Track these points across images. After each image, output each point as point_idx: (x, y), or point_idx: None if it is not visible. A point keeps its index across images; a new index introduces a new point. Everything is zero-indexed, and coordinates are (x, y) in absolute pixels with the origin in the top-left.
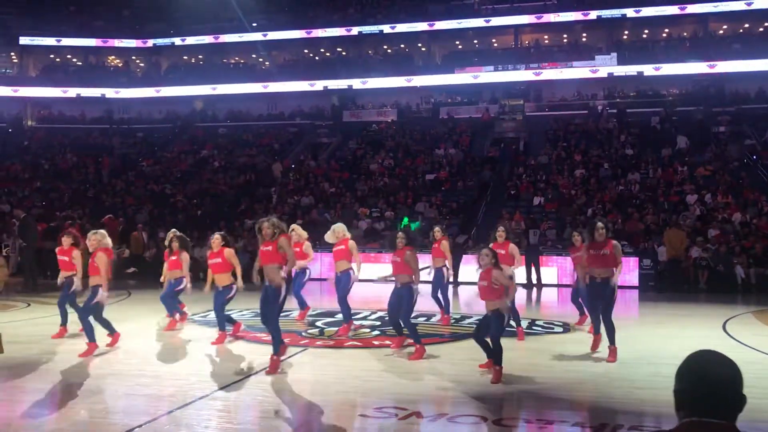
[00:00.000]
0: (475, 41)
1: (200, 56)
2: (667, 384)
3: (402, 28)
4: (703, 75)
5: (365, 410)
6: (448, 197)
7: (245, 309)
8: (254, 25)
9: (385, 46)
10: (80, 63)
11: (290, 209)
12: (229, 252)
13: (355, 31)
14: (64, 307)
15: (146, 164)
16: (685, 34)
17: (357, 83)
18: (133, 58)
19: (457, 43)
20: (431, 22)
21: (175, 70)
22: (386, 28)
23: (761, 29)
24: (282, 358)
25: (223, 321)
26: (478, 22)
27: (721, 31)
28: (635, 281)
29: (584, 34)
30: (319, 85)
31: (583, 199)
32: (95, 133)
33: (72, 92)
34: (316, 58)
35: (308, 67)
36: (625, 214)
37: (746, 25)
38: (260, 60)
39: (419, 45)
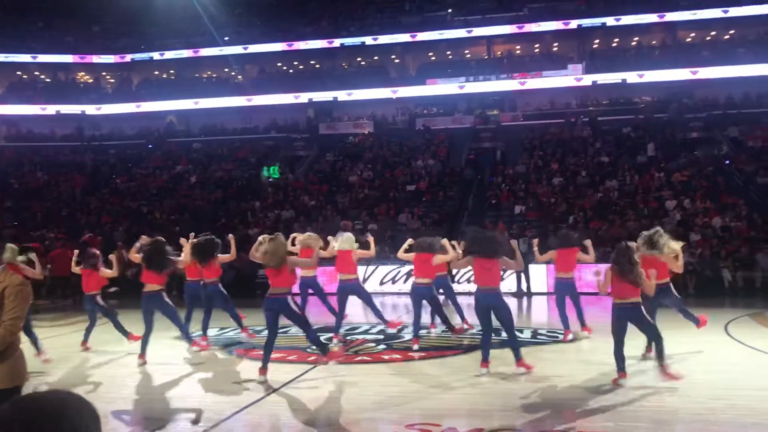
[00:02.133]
0: (448, 52)
1: (172, 71)
2: (698, 390)
3: (384, 39)
4: (684, 81)
5: (398, 428)
6: (430, 208)
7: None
8: (226, 39)
9: (359, 59)
10: (49, 80)
11: (271, 223)
12: None
13: (337, 43)
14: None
15: (120, 181)
16: (654, 42)
17: (342, 95)
18: (104, 74)
19: (431, 54)
20: (413, 34)
21: (147, 85)
22: (368, 40)
23: (739, 36)
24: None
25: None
26: (460, 33)
27: (701, 38)
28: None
29: (556, 44)
30: (303, 97)
31: (563, 207)
32: (66, 150)
33: (51, 109)
34: (290, 71)
35: (285, 80)
36: (606, 220)
37: (732, 32)
38: (233, 74)
39: (393, 57)
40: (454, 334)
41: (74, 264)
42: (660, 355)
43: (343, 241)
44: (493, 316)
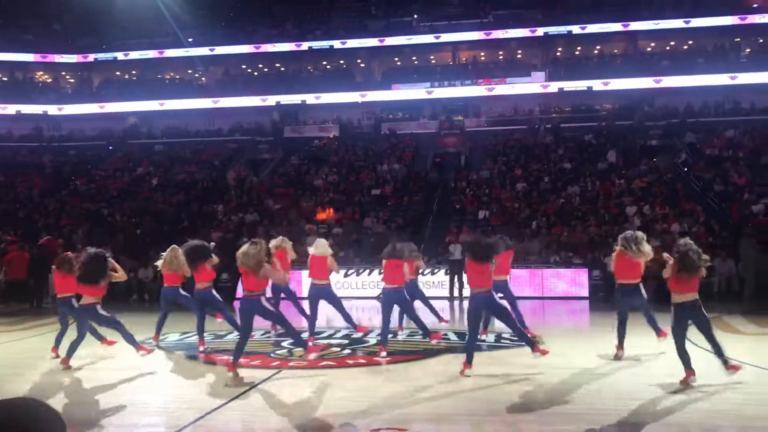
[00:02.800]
0: (414, 57)
1: (134, 71)
2: (656, 393)
3: (353, 43)
4: (647, 90)
5: None
6: (394, 212)
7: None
8: (190, 40)
9: (325, 62)
10: (6, 78)
11: (235, 226)
12: None
13: (305, 46)
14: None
15: (80, 183)
16: (616, 51)
17: (311, 98)
18: (63, 73)
19: (397, 59)
20: (381, 38)
21: (108, 85)
22: (336, 44)
23: (697, 46)
24: (258, 380)
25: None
26: (427, 38)
27: (662, 48)
28: (585, 292)
29: (520, 51)
30: (271, 100)
31: (526, 212)
32: (24, 151)
33: (11, 109)
34: (255, 73)
35: (250, 83)
36: (568, 226)
37: (691, 42)
38: (197, 75)
39: (359, 61)
40: (431, 339)
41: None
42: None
43: (317, 247)
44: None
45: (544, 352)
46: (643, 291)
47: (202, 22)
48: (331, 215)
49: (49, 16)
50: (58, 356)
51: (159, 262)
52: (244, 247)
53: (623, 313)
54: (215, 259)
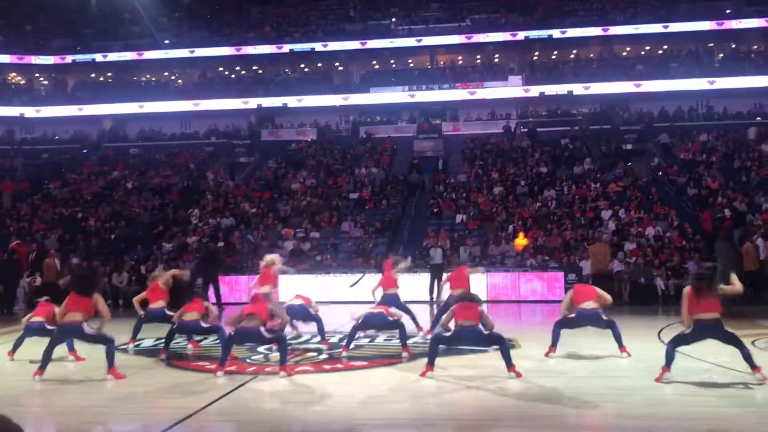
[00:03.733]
0: (392, 61)
1: (110, 74)
2: (628, 397)
3: (334, 46)
4: (625, 94)
5: None
6: (372, 216)
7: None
8: (166, 42)
9: (302, 65)
10: None
11: (211, 231)
12: None
13: (286, 48)
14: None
15: (53, 187)
16: (592, 55)
17: (292, 101)
18: (37, 75)
19: (375, 62)
20: (363, 41)
21: (83, 87)
22: (318, 46)
23: (671, 51)
24: (234, 386)
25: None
26: (407, 42)
27: (637, 52)
28: (562, 295)
29: (497, 55)
30: (252, 102)
31: (503, 216)
32: None
33: None
34: (233, 76)
35: (227, 85)
36: (544, 230)
37: (665, 47)
38: (173, 78)
39: (337, 64)
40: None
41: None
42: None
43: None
44: None
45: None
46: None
47: (178, 24)
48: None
49: (22, 17)
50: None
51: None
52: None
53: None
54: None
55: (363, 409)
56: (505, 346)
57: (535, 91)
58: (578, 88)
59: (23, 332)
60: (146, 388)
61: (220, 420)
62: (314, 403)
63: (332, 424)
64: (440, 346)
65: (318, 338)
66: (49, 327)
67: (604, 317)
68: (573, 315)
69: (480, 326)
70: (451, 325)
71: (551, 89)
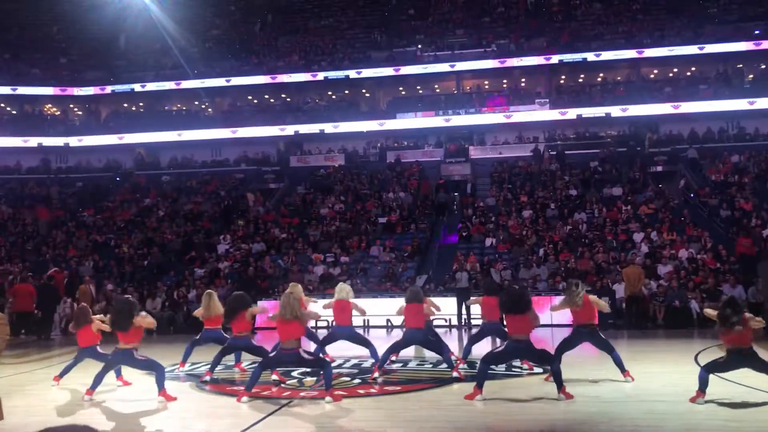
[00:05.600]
0: (418, 87)
1: (141, 103)
2: (666, 421)
3: (368, 73)
4: (666, 115)
5: None
6: (401, 240)
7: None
8: (195, 72)
9: (329, 92)
10: (14, 112)
11: (242, 256)
12: None
13: (320, 76)
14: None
15: (87, 214)
16: (619, 78)
17: (329, 127)
18: (71, 106)
19: (401, 88)
20: (396, 68)
21: (116, 117)
22: (352, 73)
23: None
24: (268, 412)
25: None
26: (443, 67)
27: (664, 75)
28: (595, 320)
29: (523, 79)
30: (289, 129)
31: (533, 240)
32: (31, 183)
33: (33, 141)
34: (266, 103)
35: (256, 113)
36: (575, 253)
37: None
38: (204, 107)
39: (363, 91)
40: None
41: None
42: None
43: (339, 292)
44: None
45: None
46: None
47: (208, 54)
48: None
49: (57, 50)
50: (58, 383)
51: (198, 312)
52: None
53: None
54: (257, 308)
55: None
56: (555, 369)
57: (572, 113)
58: (615, 110)
59: (76, 356)
60: (182, 414)
61: None
62: (351, 430)
63: None
64: (491, 366)
65: (352, 362)
66: (101, 351)
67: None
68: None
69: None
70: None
71: (589, 111)
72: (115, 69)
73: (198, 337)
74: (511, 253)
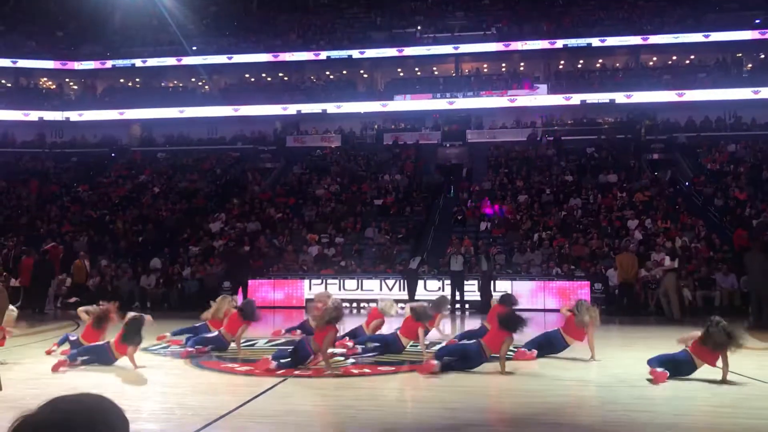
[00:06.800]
0: (416, 68)
1: (137, 79)
2: (658, 406)
3: (371, 53)
4: (670, 103)
5: None
6: (396, 223)
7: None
8: (194, 48)
9: (327, 72)
10: (9, 85)
11: (237, 235)
12: None
13: (323, 55)
14: None
15: (82, 189)
16: (617, 64)
17: (331, 107)
18: (67, 80)
19: (399, 69)
20: (400, 48)
21: (111, 92)
22: (355, 53)
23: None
24: (265, 388)
25: None
26: (447, 49)
27: (663, 62)
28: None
29: (522, 64)
30: (292, 108)
31: (528, 224)
32: (26, 157)
33: (34, 115)
34: (258, 83)
35: (254, 92)
36: (569, 238)
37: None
38: (200, 84)
39: (361, 72)
40: None
41: None
42: None
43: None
44: None
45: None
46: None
47: (206, 31)
48: None
49: (53, 23)
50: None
51: (205, 315)
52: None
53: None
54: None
55: (395, 412)
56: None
57: (576, 99)
58: (620, 97)
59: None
60: (178, 389)
61: (253, 421)
62: (346, 406)
63: (366, 426)
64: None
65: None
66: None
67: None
68: None
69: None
70: None
71: (594, 97)
72: (112, 44)
73: (197, 332)
74: (505, 238)
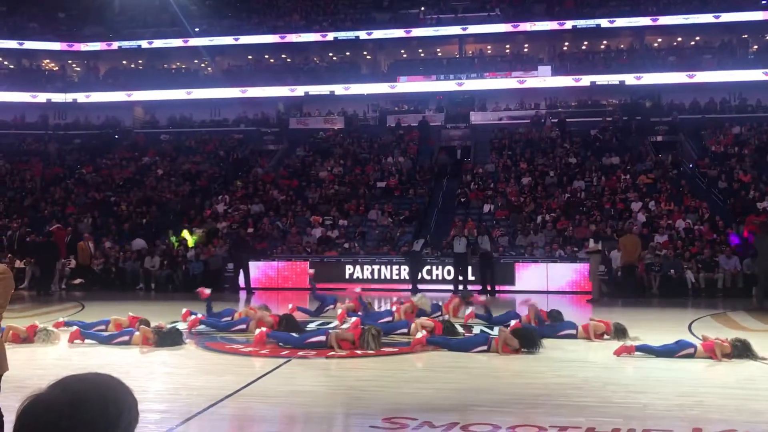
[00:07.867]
0: (420, 50)
1: (140, 61)
2: (659, 387)
3: (378, 34)
4: (681, 84)
5: (374, 421)
6: (399, 205)
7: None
8: (197, 30)
9: (330, 53)
10: (12, 66)
11: (241, 217)
12: None
13: (330, 36)
14: None
15: (86, 171)
16: (622, 45)
17: (339, 89)
18: (69, 62)
19: (403, 51)
20: (407, 29)
21: (114, 74)
22: (362, 34)
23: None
24: (269, 369)
25: None
26: (455, 30)
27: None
28: (590, 287)
29: (526, 45)
30: (299, 90)
31: (531, 207)
32: (30, 139)
33: (42, 97)
34: (261, 64)
35: (256, 73)
36: (573, 220)
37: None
38: (203, 65)
39: (365, 53)
40: None
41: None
42: None
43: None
44: None
45: None
46: None
47: (208, 12)
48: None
49: (55, 4)
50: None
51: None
52: None
53: None
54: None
55: (399, 392)
56: None
57: (586, 80)
58: (630, 78)
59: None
60: (183, 369)
61: (257, 401)
62: (350, 387)
63: (371, 407)
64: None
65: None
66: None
67: None
68: None
69: None
70: None
71: (603, 79)
72: (114, 25)
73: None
74: (508, 220)
